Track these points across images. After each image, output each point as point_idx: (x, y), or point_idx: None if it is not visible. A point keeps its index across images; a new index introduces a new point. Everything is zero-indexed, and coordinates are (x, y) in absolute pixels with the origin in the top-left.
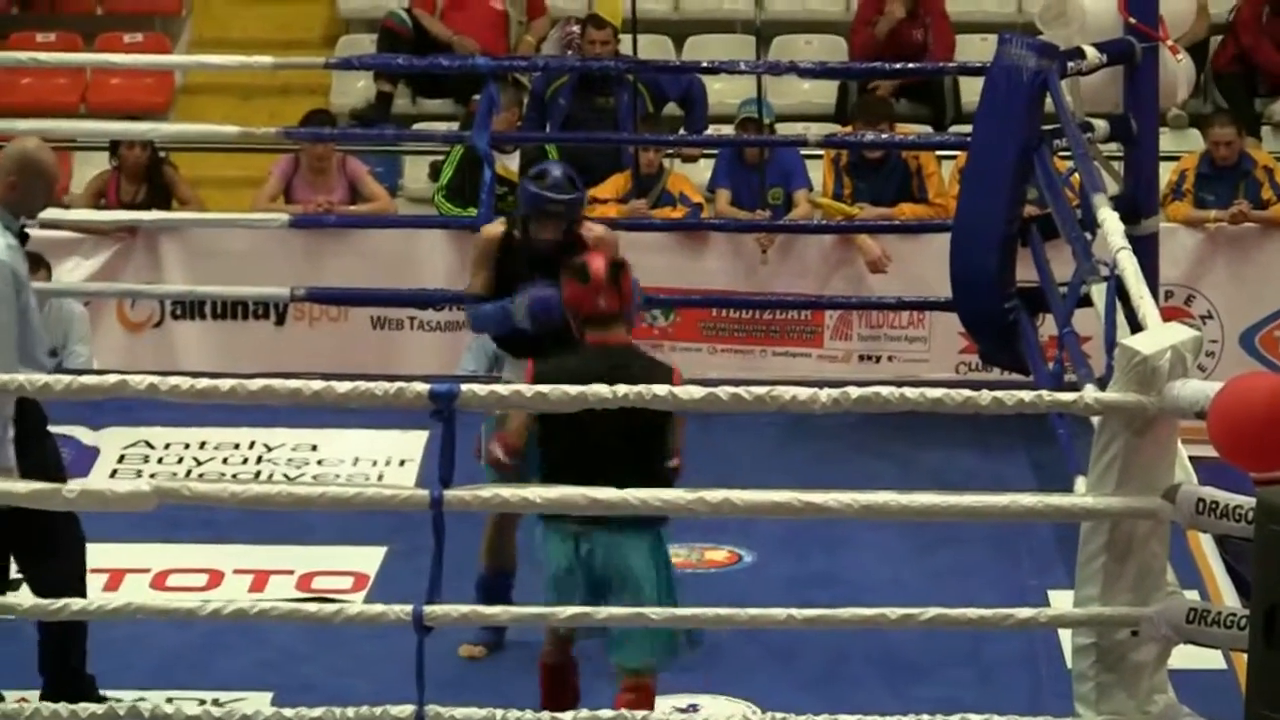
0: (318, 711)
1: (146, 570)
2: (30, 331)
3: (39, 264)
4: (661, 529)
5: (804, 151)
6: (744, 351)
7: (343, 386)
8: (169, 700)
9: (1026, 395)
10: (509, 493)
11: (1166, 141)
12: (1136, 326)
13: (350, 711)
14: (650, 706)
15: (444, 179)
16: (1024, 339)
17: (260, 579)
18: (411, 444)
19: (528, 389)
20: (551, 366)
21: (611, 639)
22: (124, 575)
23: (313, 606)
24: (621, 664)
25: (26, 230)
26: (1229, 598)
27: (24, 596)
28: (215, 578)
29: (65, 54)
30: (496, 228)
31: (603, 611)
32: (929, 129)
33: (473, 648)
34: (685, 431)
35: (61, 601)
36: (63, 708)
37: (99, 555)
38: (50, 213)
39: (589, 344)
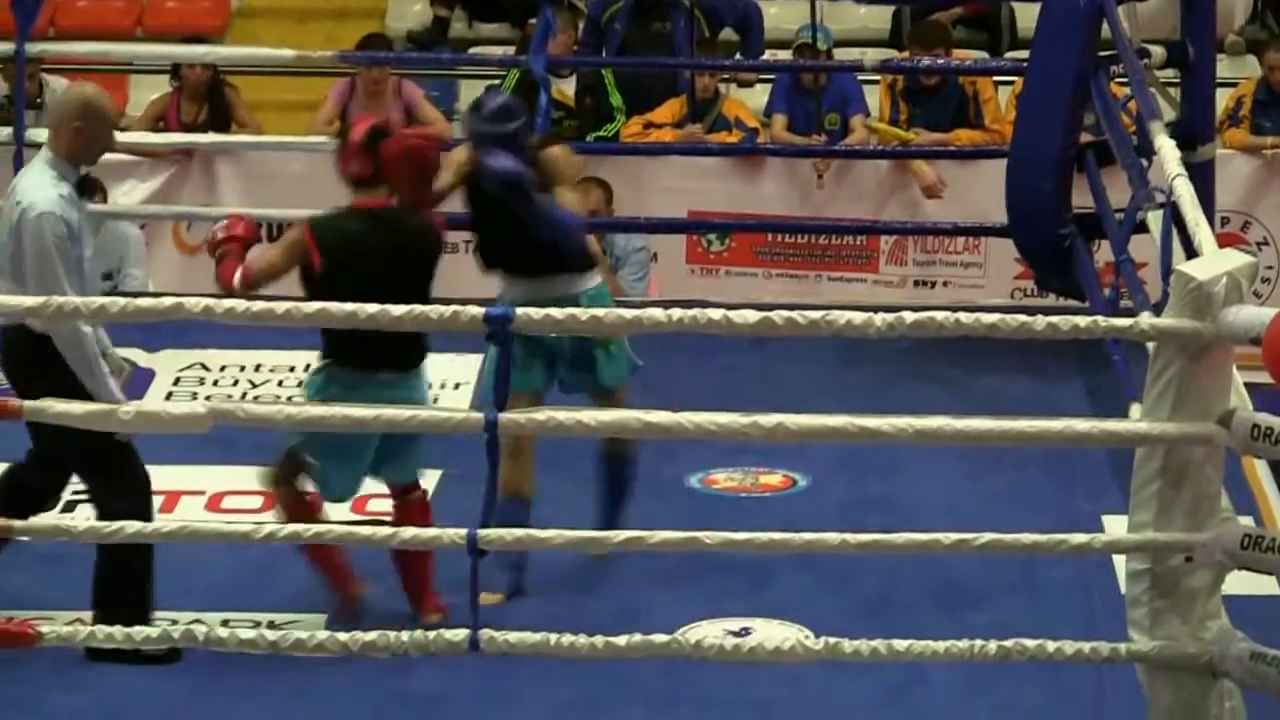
0: (372, 635)
1: (202, 492)
2: (83, 287)
3: (95, 187)
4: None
5: (860, 77)
6: (799, 276)
7: (398, 309)
8: (224, 623)
9: (1082, 321)
10: (564, 415)
11: (1223, 67)
12: (1192, 253)
13: (404, 635)
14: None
15: None
16: (1079, 265)
17: (316, 501)
18: (466, 367)
19: (582, 312)
20: (327, 228)
21: (382, 461)
22: (179, 497)
23: (368, 530)
24: (393, 480)
25: (86, 179)
26: None
27: (78, 518)
28: (269, 500)
29: None
30: (463, 154)
31: (657, 535)
32: (985, 55)
33: (491, 595)
34: None
35: (117, 524)
36: (117, 630)
37: (155, 477)
38: None
39: (355, 207)
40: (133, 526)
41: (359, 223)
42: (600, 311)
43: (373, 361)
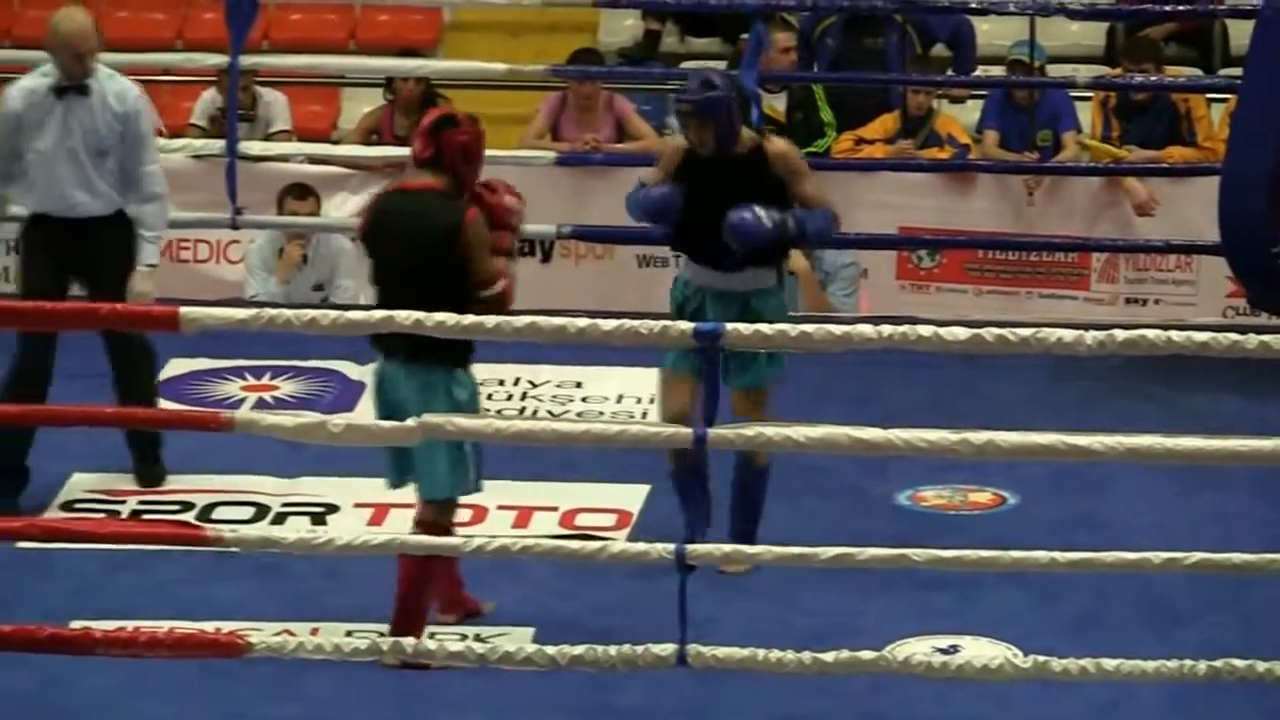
0: (579, 649)
1: (410, 506)
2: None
3: (308, 193)
4: (454, 369)
5: (1073, 93)
6: (1009, 293)
7: (607, 324)
8: (431, 635)
9: None
10: (772, 431)
11: None
12: None
13: (612, 649)
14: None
15: None
16: None
17: (524, 515)
18: None
19: (792, 328)
20: (377, 198)
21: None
22: (388, 510)
23: (575, 544)
24: (422, 497)
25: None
26: None
27: (288, 529)
28: (479, 513)
29: None
30: (681, 140)
31: (865, 552)
32: (1198, 71)
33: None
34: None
35: (326, 536)
36: (325, 641)
37: (364, 490)
38: (319, 148)
39: (402, 185)
40: (344, 539)
41: (395, 199)
42: (810, 328)
43: (385, 349)
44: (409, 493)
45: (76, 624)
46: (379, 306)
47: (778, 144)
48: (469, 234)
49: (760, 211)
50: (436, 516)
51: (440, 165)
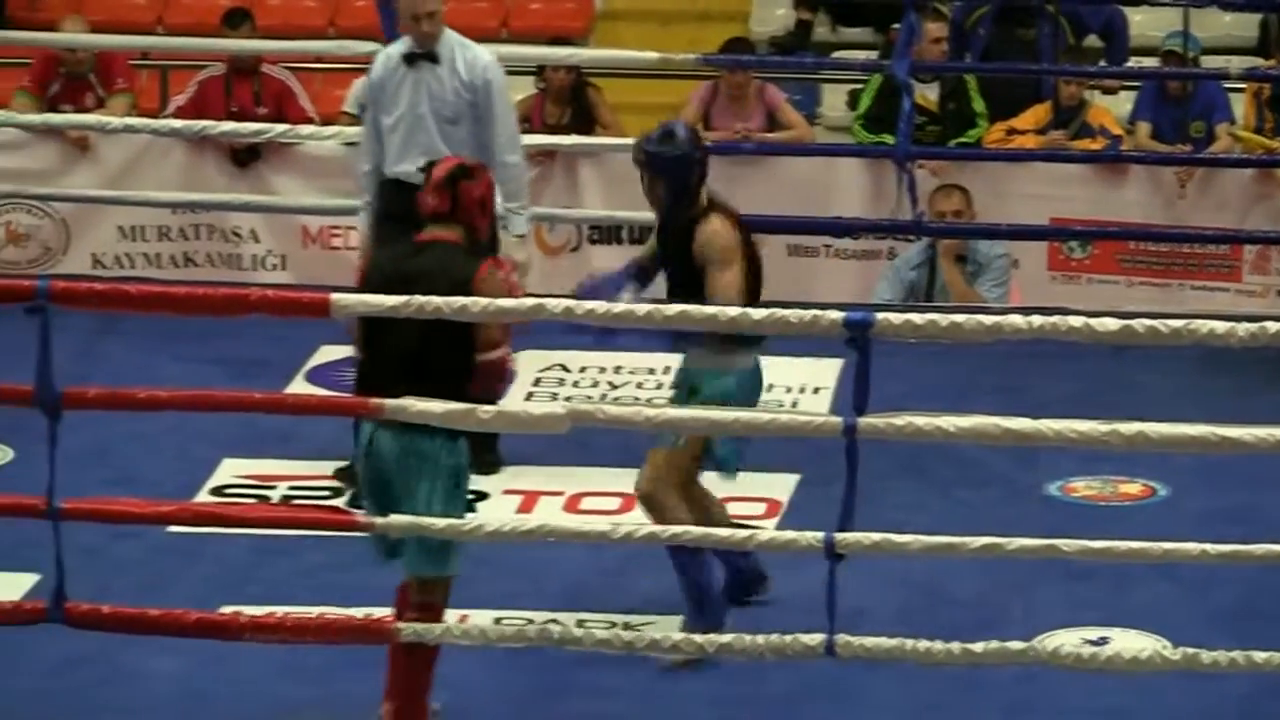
0: (728, 637)
1: (560, 493)
2: (375, 139)
3: None
4: (456, 436)
5: (1226, 85)
6: (1161, 285)
7: (758, 313)
8: (579, 623)
9: None
10: (922, 421)
11: None
12: None
13: (760, 639)
14: (437, 620)
15: (862, 107)
16: None
17: None
18: (825, 371)
19: (943, 318)
20: (376, 255)
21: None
22: (538, 497)
23: (725, 532)
24: (409, 572)
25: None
26: None
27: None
28: (628, 502)
29: None
30: None
31: (1014, 542)
32: None
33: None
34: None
35: (476, 522)
36: (471, 626)
37: (513, 477)
38: None
39: (415, 239)
40: (491, 524)
41: (407, 255)
42: (960, 318)
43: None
44: (558, 479)
45: (225, 609)
46: (377, 360)
47: (707, 229)
48: (485, 289)
49: (621, 294)
50: (427, 596)
51: (456, 218)
